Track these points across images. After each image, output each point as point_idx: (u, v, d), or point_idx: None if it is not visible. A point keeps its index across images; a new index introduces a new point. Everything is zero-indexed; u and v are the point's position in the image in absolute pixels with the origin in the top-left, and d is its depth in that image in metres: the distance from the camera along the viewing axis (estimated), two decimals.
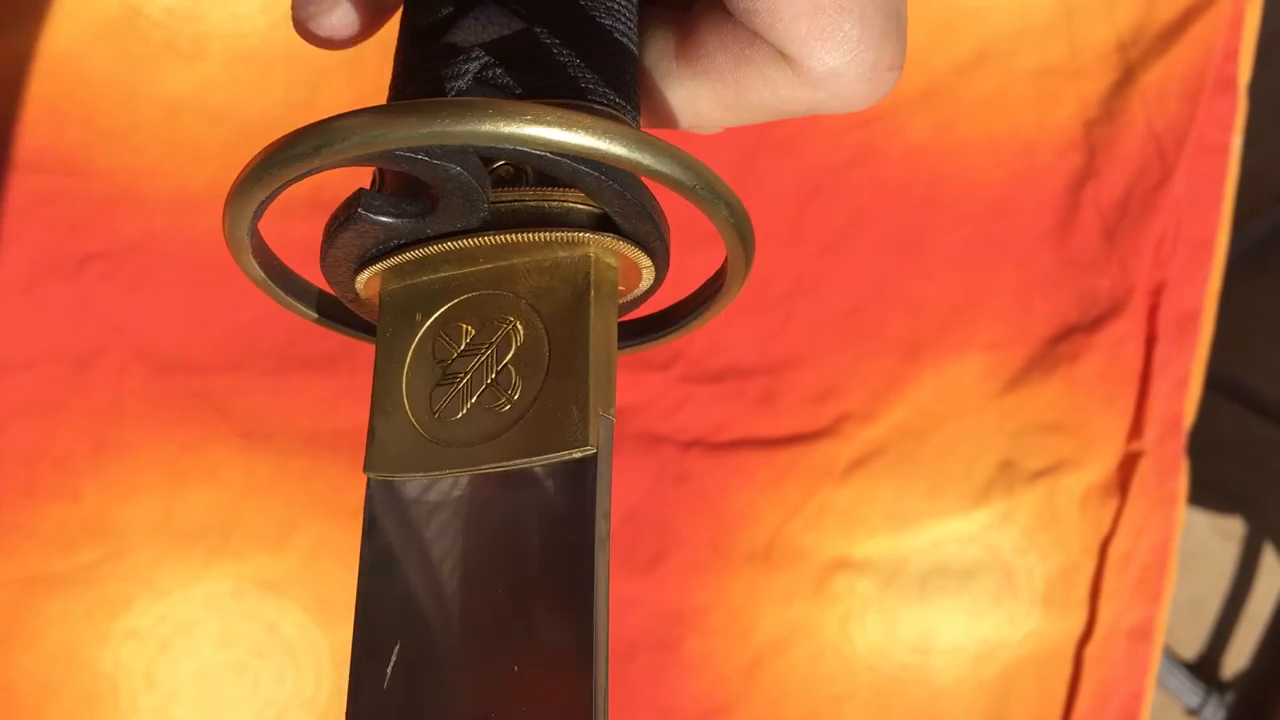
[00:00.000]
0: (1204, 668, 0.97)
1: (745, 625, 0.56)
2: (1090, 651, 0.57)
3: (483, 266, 0.24)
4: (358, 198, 0.24)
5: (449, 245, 0.24)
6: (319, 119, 0.22)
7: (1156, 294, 0.58)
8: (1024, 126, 0.57)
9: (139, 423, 0.53)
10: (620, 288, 0.25)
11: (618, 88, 0.25)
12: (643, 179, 0.24)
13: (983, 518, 0.57)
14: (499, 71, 0.24)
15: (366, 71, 0.53)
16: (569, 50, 0.25)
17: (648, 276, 0.25)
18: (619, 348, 0.25)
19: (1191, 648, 0.98)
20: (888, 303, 0.57)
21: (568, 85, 0.24)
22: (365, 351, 0.26)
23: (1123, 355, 0.57)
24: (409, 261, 0.25)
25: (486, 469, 0.24)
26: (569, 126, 0.21)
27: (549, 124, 0.21)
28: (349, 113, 0.22)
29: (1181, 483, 0.58)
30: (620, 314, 0.25)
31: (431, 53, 0.25)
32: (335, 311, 0.27)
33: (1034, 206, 0.57)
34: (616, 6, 0.25)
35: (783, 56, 0.24)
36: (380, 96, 0.26)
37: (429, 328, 0.25)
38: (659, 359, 0.55)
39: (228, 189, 0.23)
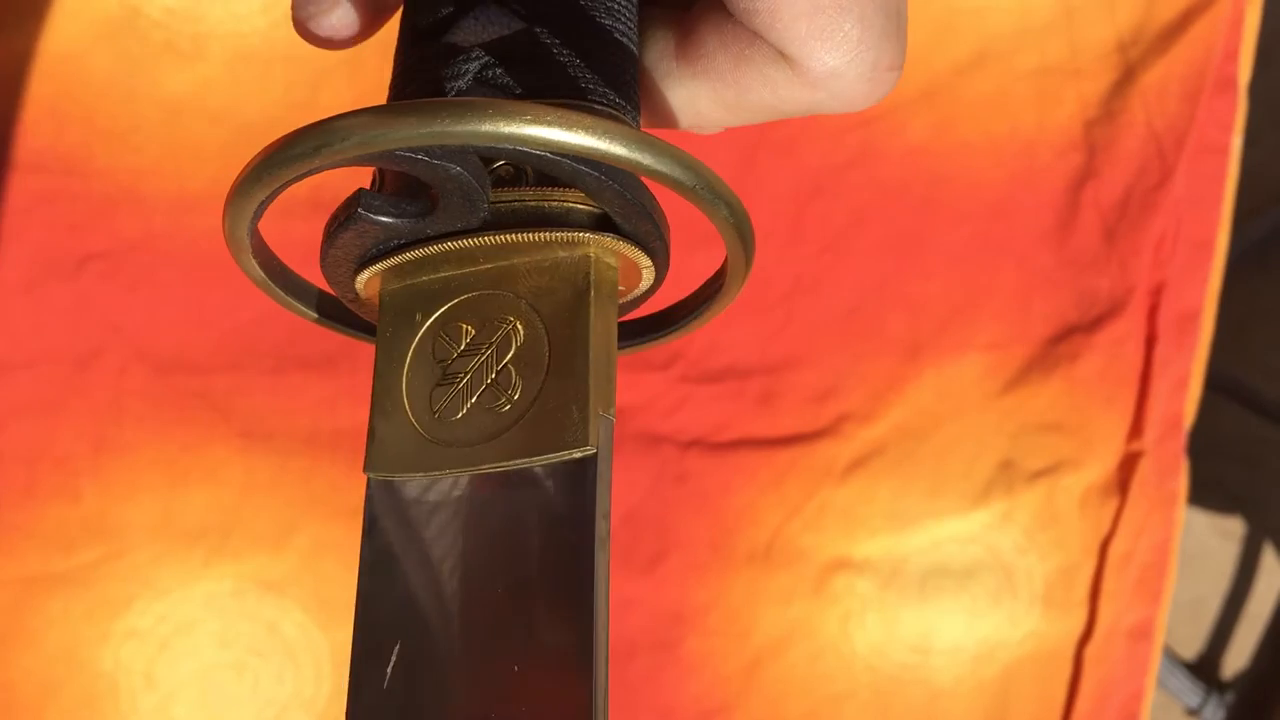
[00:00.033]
0: (1204, 668, 0.97)
1: (745, 625, 0.56)
2: (1090, 651, 0.57)
3: (483, 266, 0.24)
4: (358, 198, 0.24)
5: (449, 245, 0.24)
6: (319, 119, 0.22)
7: (1156, 294, 0.58)
8: (1024, 126, 0.57)
9: (139, 423, 0.53)
10: (620, 288, 0.25)
11: (618, 88, 0.25)
12: (643, 179, 0.24)
13: (983, 518, 0.57)
14: (499, 71, 0.24)
15: (366, 71, 0.53)
16: (569, 50, 0.25)
17: (648, 276, 0.25)
18: (619, 348, 0.25)
19: (1191, 648, 0.98)
20: (887, 303, 0.57)
21: (568, 85, 0.24)
22: (365, 351, 0.26)
23: (1123, 355, 0.57)
24: (409, 261, 0.25)
25: (486, 469, 0.24)
26: (569, 126, 0.21)
27: (549, 124, 0.21)
28: (349, 113, 0.22)
29: (1181, 483, 0.58)
30: (620, 314, 0.25)
31: (431, 53, 0.25)
32: (335, 311, 0.27)
33: (1034, 206, 0.57)
34: (616, 6, 0.25)
35: (783, 56, 0.24)
36: (380, 96, 0.26)
37: (429, 328, 0.25)
38: (659, 359, 0.55)
39: (228, 189, 0.23)
